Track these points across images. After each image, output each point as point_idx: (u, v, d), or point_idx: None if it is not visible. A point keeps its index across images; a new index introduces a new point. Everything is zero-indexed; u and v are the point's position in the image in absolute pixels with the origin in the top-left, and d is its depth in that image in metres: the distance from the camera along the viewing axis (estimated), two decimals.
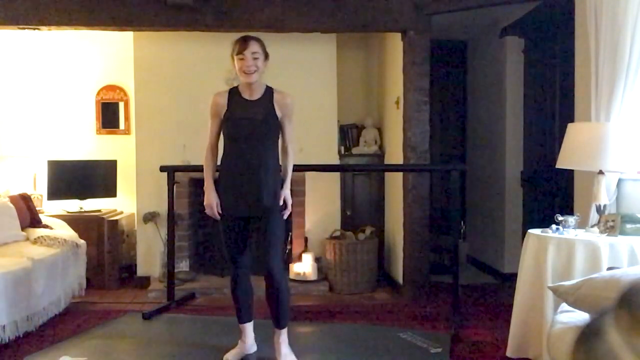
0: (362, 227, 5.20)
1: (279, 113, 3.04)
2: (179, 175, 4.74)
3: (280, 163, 3.13)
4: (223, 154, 3.11)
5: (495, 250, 5.57)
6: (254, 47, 2.94)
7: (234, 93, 3.08)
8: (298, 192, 5.06)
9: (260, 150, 3.00)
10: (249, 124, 2.99)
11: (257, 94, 3.05)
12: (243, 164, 3.00)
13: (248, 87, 3.03)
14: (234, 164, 3.03)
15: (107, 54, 5.57)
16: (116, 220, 5.10)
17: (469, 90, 6.36)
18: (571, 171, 3.73)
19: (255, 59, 2.94)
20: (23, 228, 4.31)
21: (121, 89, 5.59)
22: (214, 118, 3.11)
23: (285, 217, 3.09)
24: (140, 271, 5.22)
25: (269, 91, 3.07)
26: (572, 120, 3.66)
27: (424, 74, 4.63)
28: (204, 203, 3.10)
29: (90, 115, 5.58)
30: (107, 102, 5.59)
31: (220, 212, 3.07)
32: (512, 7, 4.79)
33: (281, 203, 3.06)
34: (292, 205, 3.14)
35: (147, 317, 4.01)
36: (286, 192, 3.10)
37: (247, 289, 3.21)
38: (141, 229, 5.19)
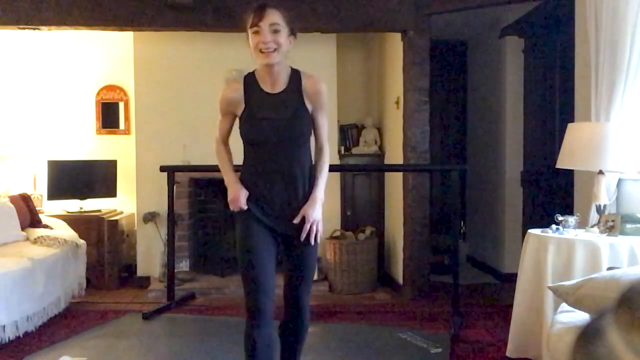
0: (362, 227, 5.20)
1: (309, 105, 2.30)
2: (179, 175, 4.74)
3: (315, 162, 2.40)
4: (243, 161, 2.39)
5: (495, 250, 5.57)
6: (272, 16, 2.20)
7: (250, 83, 2.31)
8: None
9: (290, 156, 2.29)
10: (275, 126, 2.25)
11: (280, 84, 2.29)
12: (270, 175, 2.29)
13: (268, 74, 2.27)
14: (258, 174, 2.30)
15: (107, 54, 5.57)
16: (116, 220, 5.10)
17: (469, 90, 6.36)
18: (571, 171, 3.73)
19: (276, 32, 2.19)
20: (23, 228, 4.32)
21: (121, 89, 5.59)
22: (226, 116, 2.38)
23: (317, 240, 2.33)
24: (140, 271, 5.22)
25: (295, 77, 2.31)
26: (572, 120, 3.66)
27: (424, 74, 4.63)
28: (229, 199, 2.34)
29: (90, 115, 5.58)
30: (107, 102, 5.59)
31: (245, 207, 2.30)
32: (512, 7, 4.79)
33: (298, 220, 2.27)
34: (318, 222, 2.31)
35: (147, 317, 4.01)
36: (316, 206, 2.29)
37: (271, 352, 2.27)
38: (141, 229, 5.19)
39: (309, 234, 2.28)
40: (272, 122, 2.26)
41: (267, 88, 2.30)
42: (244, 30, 2.31)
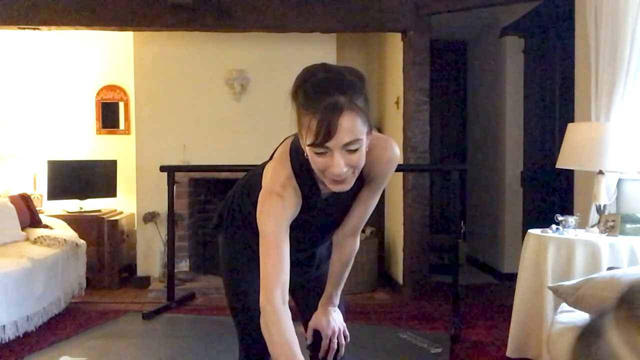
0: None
1: (367, 179, 1.65)
2: (179, 175, 4.74)
3: (332, 261, 1.82)
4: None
5: (495, 250, 5.57)
6: (348, 129, 1.39)
7: (306, 184, 1.58)
8: None
9: (324, 238, 1.82)
10: (326, 218, 1.71)
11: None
12: (302, 254, 1.79)
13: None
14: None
15: (107, 54, 5.56)
16: (116, 220, 5.10)
17: (469, 90, 6.36)
18: (571, 171, 3.73)
19: (353, 151, 1.42)
20: (23, 228, 4.31)
21: (121, 89, 5.59)
22: (284, 234, 1.51)
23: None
24: (140, 271, 5.22)
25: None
26: (572, 120, 3.66)
27: (424, 74, 4.63)
28: None
29: (90, 115, 5.58)
30: (107, 102, 5.59)
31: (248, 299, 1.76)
32: (512, 7, 4.80)
33: (322, 354, 1.83)
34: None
35: (147, 317, 4.01)
36: (334, 313, 1.84)
37: None
38: (141, 229, 5.19)
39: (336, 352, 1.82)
40: (326, 214, 1.70)
41: (327, 188, 1.59)
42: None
